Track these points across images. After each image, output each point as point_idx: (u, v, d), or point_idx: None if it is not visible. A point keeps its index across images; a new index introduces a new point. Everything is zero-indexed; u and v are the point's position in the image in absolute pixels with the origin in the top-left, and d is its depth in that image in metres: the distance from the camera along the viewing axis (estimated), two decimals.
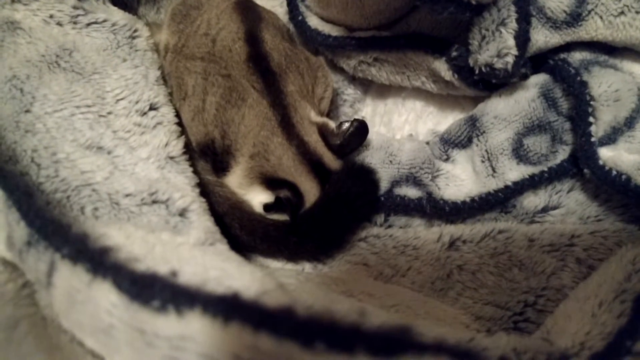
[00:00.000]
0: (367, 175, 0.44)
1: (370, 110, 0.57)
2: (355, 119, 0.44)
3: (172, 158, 0.40)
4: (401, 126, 0.55)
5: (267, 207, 0.41)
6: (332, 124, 0.44)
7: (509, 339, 0.25)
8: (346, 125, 0.43)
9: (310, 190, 0.41)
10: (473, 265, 0.40)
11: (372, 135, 0.47)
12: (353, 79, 0.56)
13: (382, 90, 0.57)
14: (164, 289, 0.25)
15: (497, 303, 0.38)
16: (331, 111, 0.54)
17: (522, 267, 0.39)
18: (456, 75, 0.46)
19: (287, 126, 0.42)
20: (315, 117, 0.44)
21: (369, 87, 0.57)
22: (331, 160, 0.42)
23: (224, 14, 0.47)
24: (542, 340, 0.29)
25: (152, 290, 0.25)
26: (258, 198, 0.41)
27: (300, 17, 0.52)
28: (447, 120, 0.54)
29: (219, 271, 0.26)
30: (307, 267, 0.40)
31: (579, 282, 0.38)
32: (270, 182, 0.41)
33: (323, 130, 0.43)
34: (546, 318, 0.35)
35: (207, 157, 0.43)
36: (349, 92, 0.56)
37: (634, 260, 0.33)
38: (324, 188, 0.41)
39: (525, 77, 0.43)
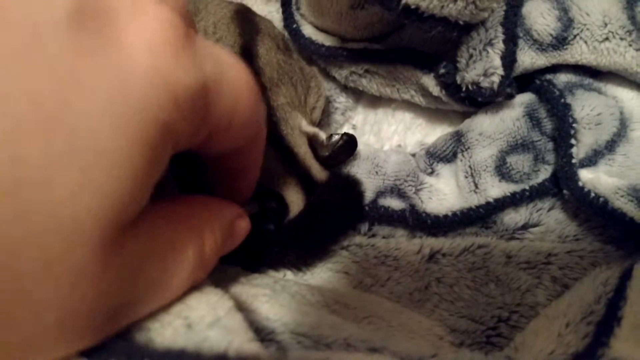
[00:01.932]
0: (353, 187, 0.44)
1: (362, 119, 0.57)
2: (345, 133, 0.45)
3: None
4: (390, 136, 0.56)
5: (252, 217, 0.42)
6: (323, 135, 0.45)
7: (472, 356, 0.26)
8: (336, 137, 0.44)
9: (296, 202, 0.42)
10: (451, 278, 0.41)
11: (359, 145, 0.48)
12: (345, 88, 0.57)
13: (373, 100, 0.57)
14: None
15: (472, 317, 0.39)
16: (323, 119, 0.55)
17: (498, 283, 0.40)
18: (444, 91, 0.47)
19: (277, 139, 0.42)
20: (306, 127, 0.44)
21: (360, 96, 0.58)
22: (318, 172, 0.43)
23: (221, 23, 0.47)
24: (505, 358, 0.30)
25: None
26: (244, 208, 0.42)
27: (294, 25, 0.53)
28: (435, 132, 0.54)
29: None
30: (289, 274, 0.41)
31: (552, 300, 0.39)
32: (256, 192, 0.42)
33: (313, 141, 0.44)
34: (517, 334, 0.36)
35: None
36: (341, 100, 0.57)
37: (605, 282, 0.34)
38: (309, 199, 0.42)
39: (510, 96, 0.44)
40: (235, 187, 0.33)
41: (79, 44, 0.18)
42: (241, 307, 0.26)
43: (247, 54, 0.45)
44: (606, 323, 0.28)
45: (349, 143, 0.45)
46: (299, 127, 0.44)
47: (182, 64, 0.20)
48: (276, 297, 0.28)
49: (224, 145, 0.26)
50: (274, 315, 0.26)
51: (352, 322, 0.30)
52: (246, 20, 0.49)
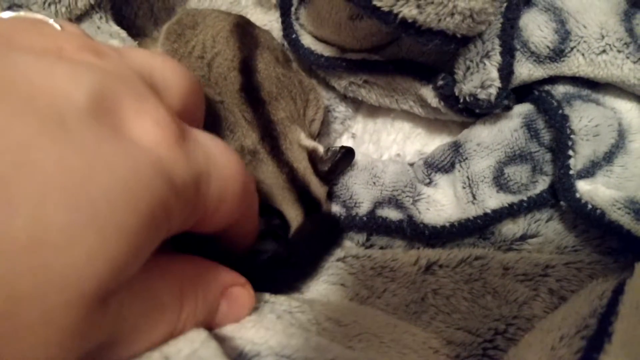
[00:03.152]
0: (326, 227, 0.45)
1: (361, 128, 0.58)
2: (342, 146, 0.45)
3: None
4: (389, 145, 0.56)
5: (260, 235, 0.42)
6: (322, 150, 0.45)
7: None
8: (334, 151, 0.44)
9: (295, 218, 0.42)
10: (448, 290, 0.41)
11: (357, 155, 0.48)
12: (345, 97, 0.57)
13: (373, 110, 0.58)
14: None
15: (468, 329, 0.39)
16: (322, 128, 0.55)
17: (495, 295, 0.40)
18: (442, 103, 0.47)
19: (277, 154, 0.43)
20: (305, 140, 0.45)
21: (360, 105, 0.58)
22: (317, 188, 0.43)
23: (220, 37, 0.47)
24: None
25: None
26: None
27: (294, 35, 0.53)
28: (434, 142, 0.55)
29: None
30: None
31: (549, 312, 0.39)
32: (262, 208, 0.42)
33: (312, 156, 0.44)
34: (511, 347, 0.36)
35: None
36: (340, 110, 0.57)
37: (601, 295, 0.34)
38: (308, 215, 0.42)
39: (507, 108, 0.44)
40: (235, 245, 0.35)
41: (97, 130, 0.20)
42: (225, 336, 0.27)
43: (247, 68, 0.45)
44: (597, 338, 0.27)
45: (348, 157, 0.45)
46: (298, 141, 0.44)
47: (179, 157, 0.23)
48: (261, 320, 0.28)
49: (217, 224, 0.28)
50: (260, 339, 0.26)
51: (341, 340, 0.30)
52: (245, 33, 0.49)
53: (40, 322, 0.18)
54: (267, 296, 0.33)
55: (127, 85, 0.23)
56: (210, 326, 0.28)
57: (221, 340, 0.26)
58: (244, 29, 0.49)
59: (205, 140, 0.26)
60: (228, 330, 0.28)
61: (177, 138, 0.24)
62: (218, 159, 0.26)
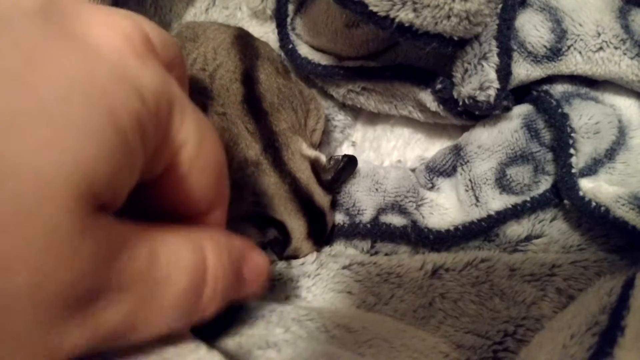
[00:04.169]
0: None
1: (360, 136, 0.58)
2: (345, 155, 0.45)
3: None
4: (390, 152, 0.56)
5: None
6: (324, 159, 0.45)
7: None
8: (337, 159, 0.44)
9: (298, 229, 0.42)
10: (455, 293, 0.41)
11: (359, 163, 0.48)
12: (343, 105, 0.57)
13: (372, 117, 0.58)
14: None
15: (477, 332, 0.39)
16: (322, 138, 0.55)
17: (503, 297, 0.40)
18: (441, 106, 0.47)
19: (280, 165, 0.42)
20: (306, 150, 0.44)
21: (359, 113, 0.58)
22: (321, 197, 0.43)
23: (221, 49, 0.48)
24: None
25: None
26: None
27: (290, 46, 0.53)
28: (434, 147, 0.54)
29: None
30: (291, 295, 0.41)
31: (558, 312, 0.38)
32: (258, 220, 0.42)
33: (315, 166, 0.44)
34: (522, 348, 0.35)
35: None
36: (339, 118, 0.57)
37: (610, 292, 0.33)
38: (311, 225, 0.42)
39: (507, 109, 0.44)
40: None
41: (46, 29, 0.20)
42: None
43: (249, 79, 0.45)
44: (610, 333, 0.27)
45: (351, 165, 0.45)
46: (300, 151, 0.44)
47: (147, 68, 0.22)
48: (269, 336, 0.28)
49: (190, 196, 0.26)
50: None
51: (351, 347, 0.30)
52: (246, 45, 0.49)
53: (13, 218, 0.17)
54: (274, 305, 0.32)
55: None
56: (236, 294, 0.27)
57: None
58: (244, 41, 0.49)
59: (179, 89, 0.25)
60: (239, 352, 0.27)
61: (144, 48, 0.23)
62: (193, 115, 0.25)
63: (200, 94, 0.45)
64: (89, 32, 0.21)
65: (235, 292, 0.27)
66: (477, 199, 0.45)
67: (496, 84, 0.42)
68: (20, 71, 0.18)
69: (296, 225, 0.42)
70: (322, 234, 0.45)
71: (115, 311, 0.20)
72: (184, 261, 0.23)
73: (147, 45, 0.23)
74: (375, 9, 0.37)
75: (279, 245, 0.41)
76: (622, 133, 0.43)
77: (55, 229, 0.18)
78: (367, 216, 0.46)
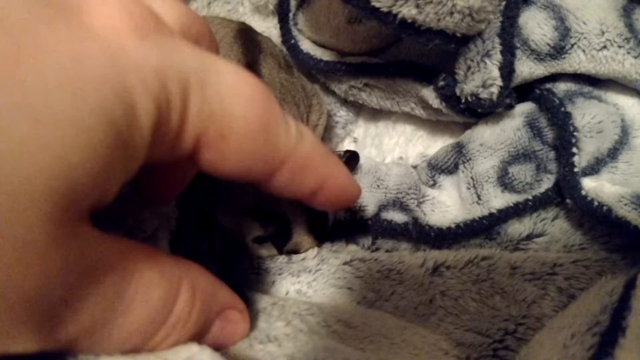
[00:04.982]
0: None
1: (362, 132, 0.58)
2: (347, 150, 0.45)
3: None
4: (392, 149, 0.56)
5: (259, 240, 0.42)
6: None
7: None
8: (339, 155, 0.44)
9: (298, 222, 0.42)
10: (456, 291, 0.41)
11: (361, 159, 0.48)
12: (345, 102, 0.57)
13: (374, 113, 0.57)
14: None
15: (478, 330, 0.39)
16: (324, 134, 0.55)
17: (503, 295, 0.40)
18: (444, 103, 0.47)
19: None
20: None
21: (361, 109, 0.58)
22: None
23: (224, 42, 0.47)
24: None
25: None
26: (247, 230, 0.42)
27: (292, 41, 0.53)
28: (436, 144, 0.54)
29: None
30: (292, 290, 0.41)
31: (559, 311, 0.38)
32: (260, 214, 0.42)
33: None
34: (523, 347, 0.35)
35: None
36: (341, 114, 0.57)
37: (611, 292, 0.33)
38: (312, 220, 0.42)
39: (510, 107, 0.44)
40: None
41: (38, 13, 0.18)
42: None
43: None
44: (611, 333, 0.27)
45: (352, 159, 0.45)
46: None
47: (150, 47, 0.20)
48: (270, 330, 0.28)
49: (230, 163, 0.24)
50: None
51: (352, 342, 0.30)
52: (249, 39, 0.49)
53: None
54: (276, 298, 0.32)
55: None
56: (199, 340, 0.25)
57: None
58: (247, 35, 0.49)
59: (205, 53, 0.23)
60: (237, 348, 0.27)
61: (148, 26, 0.21)
62: (226, 73, 0.23)
63: None
64: (87, 14, 0.20)
65: (198, 339, 0.26)
66: (478, 196, 0.45)
67: (499, 82, 0.41)
68: (4, 59, 0.17)
69: (297, 220, 0.42)
70: (323, 230, 0.45)
71: (72, 327, 0.20)
72: (152, 299, 0.22)
73: (150, 20, 0.21)
74: (377, 5, 0.37)
75: (280, 239, 0.41)
76: (625, 132, 0.43)
77: (27, 238, 0.17)
78: (368, 212, 0.46)
